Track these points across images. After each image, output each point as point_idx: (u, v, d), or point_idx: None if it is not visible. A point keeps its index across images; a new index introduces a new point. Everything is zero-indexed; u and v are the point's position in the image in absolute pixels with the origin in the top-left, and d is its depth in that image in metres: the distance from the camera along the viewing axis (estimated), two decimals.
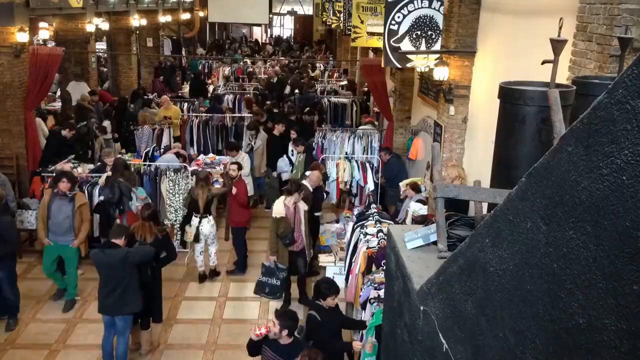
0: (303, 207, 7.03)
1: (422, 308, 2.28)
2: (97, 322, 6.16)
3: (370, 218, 6.63)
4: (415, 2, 7.37)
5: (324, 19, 19.95)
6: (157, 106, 13.15)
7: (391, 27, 7.46)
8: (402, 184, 8.38)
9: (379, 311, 4.64)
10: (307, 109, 13.13)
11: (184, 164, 8.91)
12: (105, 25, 15.53)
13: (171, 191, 8.41)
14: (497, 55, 6.69)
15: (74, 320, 6.86)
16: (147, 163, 8.93)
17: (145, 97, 14.34)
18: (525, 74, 3.62)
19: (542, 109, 2.48)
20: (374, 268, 5.59)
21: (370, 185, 9.62)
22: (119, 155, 9.11)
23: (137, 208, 7.52)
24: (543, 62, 2.88)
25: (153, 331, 6.41)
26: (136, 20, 17.03)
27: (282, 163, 10.02)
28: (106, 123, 11.88)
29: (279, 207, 6.88)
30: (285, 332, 4.46)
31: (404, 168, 9.51)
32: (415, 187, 7.69)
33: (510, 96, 2.68)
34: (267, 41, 36.48)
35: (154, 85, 17.78)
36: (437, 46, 7.48)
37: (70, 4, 12.02)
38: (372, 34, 10.77)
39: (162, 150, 10.24)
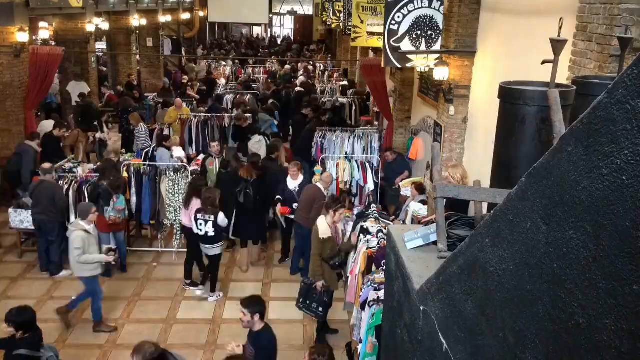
0: (340, 226, 6.70)
1: (422, 308, 2.27)
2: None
3: (370, 217, 6.63)
4: (415, 2, 7.37)
5: (324, 19, 19.95)
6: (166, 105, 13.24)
7: (391, 27, 7.46)
8: (402, 184, 8.37)
9: (379, 311, 4.63)
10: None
11: (184, 164, 8.91)
12: (105, 25, 15.54)
13: (171, 191, 8.40)
14: (497, 55, 6.69)
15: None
16: (147, 163, 8.92)
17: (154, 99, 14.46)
18: (525, 74, 3.62)
19: (542, 109, 2.48)
20: (374, 268, 5.58)
21: (370, 185, 9.63)
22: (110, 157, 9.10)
23: (110, 218, 7.54)
24: (543, 62, 2.87)
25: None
26: (136, 20, 17.03)
27: None
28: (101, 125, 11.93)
29: (325, 226, 6.28)
30: (257, 317, 4.64)
31: (409, 167, 9.48)
32: (420, 188, 7.56)
33: (510, 96, 2.68)
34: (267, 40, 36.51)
35: (175, 78, 17.61)
36: (437, 46, 7.49)
37: (70, 4, 12.03)
38: (372, 34, 10.78)
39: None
